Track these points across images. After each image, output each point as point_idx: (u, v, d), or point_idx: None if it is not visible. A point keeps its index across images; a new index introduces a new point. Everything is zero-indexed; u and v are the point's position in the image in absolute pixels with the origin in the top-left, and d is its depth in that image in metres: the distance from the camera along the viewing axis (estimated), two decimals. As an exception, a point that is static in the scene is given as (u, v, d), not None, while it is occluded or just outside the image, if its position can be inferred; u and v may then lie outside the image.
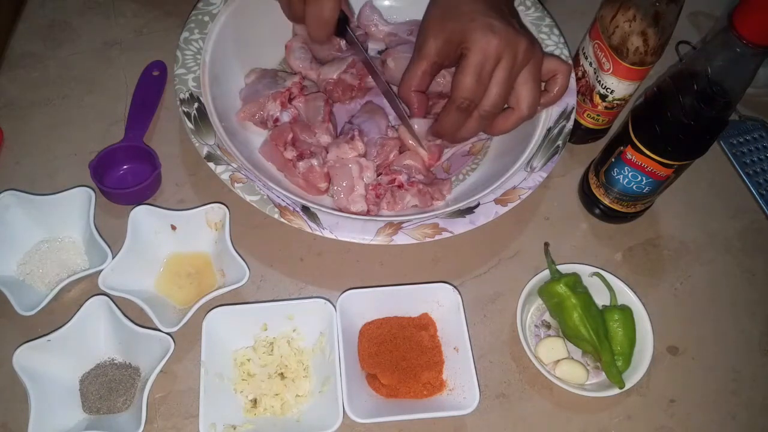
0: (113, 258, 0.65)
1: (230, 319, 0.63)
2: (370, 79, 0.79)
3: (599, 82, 0.72)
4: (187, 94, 0.71)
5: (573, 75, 0.75)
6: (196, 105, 0.71)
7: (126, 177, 0.75)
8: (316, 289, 0.69)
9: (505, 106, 0.68)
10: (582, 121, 0.78)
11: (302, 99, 0.76)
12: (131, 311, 0.64)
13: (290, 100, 0.75)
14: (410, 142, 0.74)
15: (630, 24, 0.65)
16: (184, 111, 0.70)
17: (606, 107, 0.74)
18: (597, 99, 0.74)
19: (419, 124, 0.73)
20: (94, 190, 0.69)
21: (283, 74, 0.78)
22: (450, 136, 0.70)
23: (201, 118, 0.70)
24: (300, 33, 0.83)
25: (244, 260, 0.65)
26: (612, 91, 0.72)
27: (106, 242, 0.66)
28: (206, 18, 0.77)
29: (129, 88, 0.81)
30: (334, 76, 0.78)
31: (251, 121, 0.76)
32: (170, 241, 0.69)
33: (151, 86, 0.81)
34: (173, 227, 0.68)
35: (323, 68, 0.79)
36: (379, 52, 0.85)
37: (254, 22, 0.80)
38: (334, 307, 0.63)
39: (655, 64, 0.68)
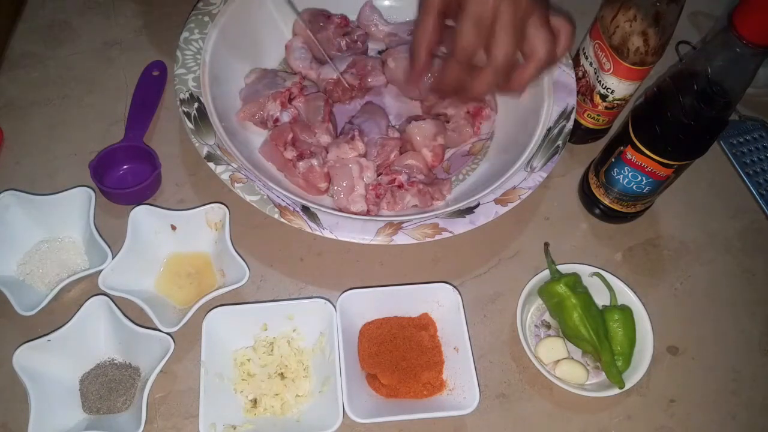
0: (113, 258, 0.65)
1: (230, 319, 0.63)
2: (370, 79, 0.79)
3: (599, 82, 0.72)
4: (187, 94, 0.71)
5: (573, 74, 0.75)
6: (196, 105, 0.71)
7: (126, 177, 0.75)
8: (316, 289, 0.69)
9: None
10: (582, 121, 0.78)
11: (302, 99, 0.76)
12: (131, 311, 0.64)
13: (290, 100, 0.75)
14: (417, 138, 0.74)
15: (630, 24, 0.65)
16: (184, 111, 0.70)
17: (606, 107, 0.74)
18: (597, 99, 0.74)
19: (428, 126, 0.73)
20: (94, 190, 0.69)
21: (283, 74, 0.78)
22: (454, 92, 0.66)
23: (201, 118, 0.70)
24: (299, 33, 0.83)
25: (244, 260, 0.65)
26: (612, 91, 0.72)
27: (106, 242, 0.66)
28: (206, 18, 0.77)
29: (129, 88, 0.81)
30: (334, 76, 0.78)
31: (251, 121, 0.76)
32: (170, 241, 0.69)
33: (151, 86, 0.81)
34: (173, 227, 0.68)
35: (323, 68, 0.79)
36: (380, 52, 0.85)
37: (254, 22, 0.80)
38: (334, 307, 0.63)
39: (656, 64, 0.68)
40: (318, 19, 0.82)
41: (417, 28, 0.65)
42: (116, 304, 0.62)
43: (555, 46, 0.63)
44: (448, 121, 0.78)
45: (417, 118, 0.76)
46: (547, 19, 0.63)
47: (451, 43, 0.62)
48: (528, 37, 0.63)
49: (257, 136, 0.76)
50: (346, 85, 0.78)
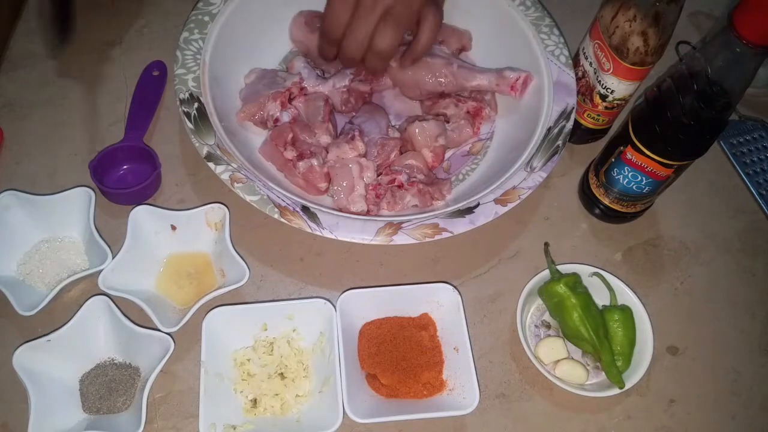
0: (113, 258, 0.65)
1: (230, 319, 0.63)
2: (377, 83, 0.79)
3: (599, 82, 0.72)
4: (187, 94, 0.71)
5: (573, 74, 0.76)
6: (196, 105, 0.71)
7: (126, 177, 0.75)
8: (316, 289, 0.69)
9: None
10: (582, 121, 0.78)
11: (302, 99, 0.76)
12: (131, 311, 0.64)
13: (290, 100, 0.75)
14: (418, 138, 0.74)
15: (630, 24, 0.65)
16: (184, 111, 0.70)
17: (606, 107, 0.74)
18: (597, 99, 0.74)
19: (429, 127, 0.73)
20: (94, 190, 0.69)
21: (283, 74, 0.78)
22: (323, 57, 0.74)
23: (201, 118, 0.70)
24: (296, 38, 0.82)
25: (244, 260, 0.65)
26: (612, 91, 0.72)
27: (106, 242, 0.66)
28: (206, 18, 0.77)
29: (129, 88, 0.81)
30: (346, 82, 0.77)
31: (251, 121, 0.76)
32: (170, 241, 0.69)
33: (151, 86, 0.81)
34: (173, 227, 0.68)
35: (335, 78, 0.78)
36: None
37: (254, 22, 0.80)
38: (334, 307, 0.63)
39: (656, 64, 0.68)
40: (314, 21, 0.81)
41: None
42: (116, 304, 0.62)
43: (422, 41, 0.70)
44: (447, 121, 0.78)
45: (418, 118, 0.76)
46: (407, 10, 0.67)
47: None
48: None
49: (257, 136, 0.76)
50: (363, 90, 0.78)
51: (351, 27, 0.68)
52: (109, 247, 0.66)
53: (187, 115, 0.70)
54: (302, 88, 0.76)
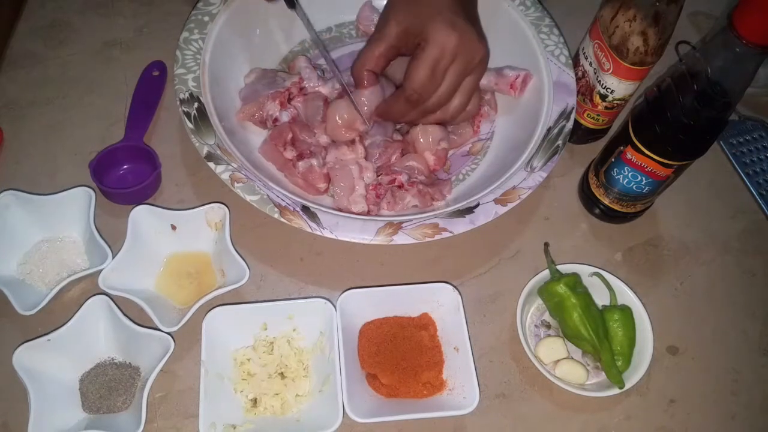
0: (113, 258, 0.65)
1: (230, 319, 0.63)
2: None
3: (599, 82, 0.72)
4: (187, 94, 0.71)
5: (573, 74, 0.76)
6: (196, 105, 0.71)
7: (126, 177, 0.75)
8: (316, 288, 0.69)
9: None
10: (582, 121, 0.78)
11: (301, 99, 0.76)
12: (131, 311, 0.64)
13: (289, 100, 0.75)
14: (421, 141, 0.74)
15: (630, 24, 0.65)
16: (184, 111, 0.70)
17: (606, 107, 0.74)
18: (597, 99, 0.74)
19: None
20: (94, 190, 0.69)
21: (283, 74, 0.78)
22: (392, 120, 0.73)
23: (201, 117, 0.70)
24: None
25: (244, 260, 0.66)
26: (612, 91, 0.72)
27: (106, 242, 0.66)
28: (206, 18, 0.77)
29: (129, 88, 0.81)
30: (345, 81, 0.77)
31: (251, 121, 0.76)
32: (170, 241, 0.69)
33: (151, 86, 0.81)
34: (173, 227, 0.69)
35: (335, 79, 0.78)
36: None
37: (254, 22, 0.81)
38: (334, 306, 0.63)
39: (655, 64, 0.68)
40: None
41: (365, 51, 0.70)
42: (116, 304, 0.62)
43: (461, 113, 0.72)
44: (448, 121, 0.78)
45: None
46: (478, 82, 0.71)
47: (405, 80, 0.67)
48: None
49: (257, 136, 0.76)
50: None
51: (439, 92, 0.68)
52: (110, 246, 0.66)
53: (187, 114, 0.70)
54: (302, 88, 0.76)
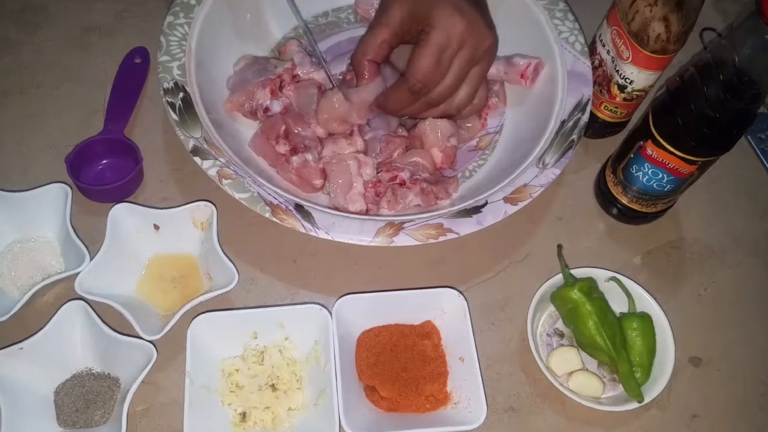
0: (91, 260, 0.65)
1: (217, 327, 0.63)
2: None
3: (617, 71, 0.72)
4: (172, 83, 0.71)
5: (589, 63, 0.76)
6: (181, 95, 0.71)
7: (105, 172, 0.75)
8: (311, 293, 0.69)
9: None
10: (598, 114, 0.78)
11: (293, 87, 0.76)
12: (110, 317, 0.64)
13: (281, 88, 0.75)
14: (429, 136, 0.74)
15: (651, 9, 0.65)
16: (168, 101, 0.70)
17: (624, 99, 0.74)
18: (615, 90, 0.74)
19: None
20: (70, 186, 0.69)
21: (275, 61, 0.78)
22: (392, 113, 0.73)
23: (186, 109, 0.70)
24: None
25: (232, 262, 0.66)
26: (631, 82, 0.72)
27: (83, 243, 0.66)
28: (192, 1, 0.77)
29: (109, 76, 0.81)
30: (344, 68, 0.77)
31: (240, 112, 0.76)
32: (153, 242, 0.69)
33: (133, 74, 0.81)
34: (156, 227, 0.68)
35: (331, 64, 0.78)
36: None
37: (244, 5, 0.81)
38: (330, 313, 0.63)
39: (678, 52, 0.68)
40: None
41: (366, 38, 0.70)
42: (94, 310, 0.62)
43: (469, 105, 0.72)
44: (454, 115, 0.78)
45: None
46: (486, 72, 0.71)
47: (408, 69, 0.67)
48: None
49: (247, 129, 0.76)
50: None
51: (444, 82, 0.68)
52: (87, 248, 0.66)
53: (172, 105, 0.70)
54: (294, 75, 0.76)
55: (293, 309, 0.64)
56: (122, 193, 0.73)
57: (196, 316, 0.62)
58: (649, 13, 0.66)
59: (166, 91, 0.71)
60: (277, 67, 0.76)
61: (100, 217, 0.68)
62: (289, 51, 0.79)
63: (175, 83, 0.72)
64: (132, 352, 0.61)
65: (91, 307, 0.63)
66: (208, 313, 0.63)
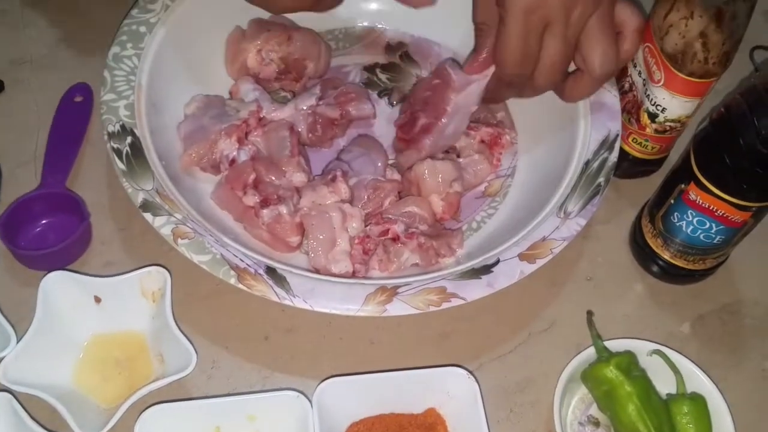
0: (18, 342, 0.64)
1: (172, 421, 0.62)
2: (353, 110, 0.80)
3: (648, 96, 0.73)
4: (118, 126, 0.72)
5: (616, 92, 0.76)
6: (129, 139, 0.72)
7: (46, 234, 0.76)
8: (287, 377, 0.69)
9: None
10: (627, 148, 0.78)
11: (260, 132, 0.76)
12: (41, 412, 0.63)
13: (247, 134, 0.76)
14: (427, 180, 0.74)
15: (686, 22, 0.66)
16: (113, 147, 0.71)
17: (656, 130, 0.75)
18: (645, 119, 0.74)
19: (445, 168, 0.74)
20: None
21: (234, 102, 0.79)
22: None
23: (135, 156, 0.71)
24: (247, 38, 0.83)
25: (190, 341, 0.65)
26: (663, 110, 0.72)
27: (8, 321, 0.66)
28: (142, 29, 0.78)
29: (43, 118, 0.82)
30: (313, 102, 0.78)
31: (199, 167, 0.76)
32: (93, 318, 0.69)
33: (73, 116, 0.82)
34: (97, 299, 0.68)
35: (298, 99, 0.79)
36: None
37: (203, 33, 0.82)
38: (310, 401, 0.62)
39: (721, 76, 0.69)
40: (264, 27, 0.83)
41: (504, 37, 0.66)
42: (21, 404, 0.62)
43: (614, 57, 0.66)
44: (458, 155, 0.78)
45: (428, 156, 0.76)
46: (610, 17, 0.66)
47: (495, 65, 0.67)
48: (580, 45, 0.66)
49: (206, 184, 0.76)
50: (331, 116, 0.79)
51: (549, 55, 0.65)
52: (13, 327, 0.66)
53: (118, 152, 0.71)
54: (261, 118, 0.77)
55: (265, 397, 0.64)
56: (68, 257, 0.73)
57: (145, 409, 0.61)
58: (684, 27, 0.66)
59: (111, 136, 0.71)
60: (239, 111, 0.77)
61: (31, 288, 0.67)
62: (242, 90, 0.80)
63: (122, 126, 0.72)
64: (66, 455, 0.60)
65: (17, 400, 0.62)
66: (160, 405, 0.62)
